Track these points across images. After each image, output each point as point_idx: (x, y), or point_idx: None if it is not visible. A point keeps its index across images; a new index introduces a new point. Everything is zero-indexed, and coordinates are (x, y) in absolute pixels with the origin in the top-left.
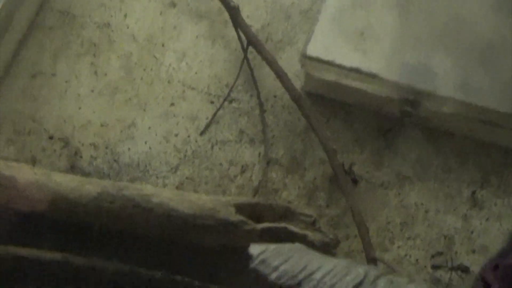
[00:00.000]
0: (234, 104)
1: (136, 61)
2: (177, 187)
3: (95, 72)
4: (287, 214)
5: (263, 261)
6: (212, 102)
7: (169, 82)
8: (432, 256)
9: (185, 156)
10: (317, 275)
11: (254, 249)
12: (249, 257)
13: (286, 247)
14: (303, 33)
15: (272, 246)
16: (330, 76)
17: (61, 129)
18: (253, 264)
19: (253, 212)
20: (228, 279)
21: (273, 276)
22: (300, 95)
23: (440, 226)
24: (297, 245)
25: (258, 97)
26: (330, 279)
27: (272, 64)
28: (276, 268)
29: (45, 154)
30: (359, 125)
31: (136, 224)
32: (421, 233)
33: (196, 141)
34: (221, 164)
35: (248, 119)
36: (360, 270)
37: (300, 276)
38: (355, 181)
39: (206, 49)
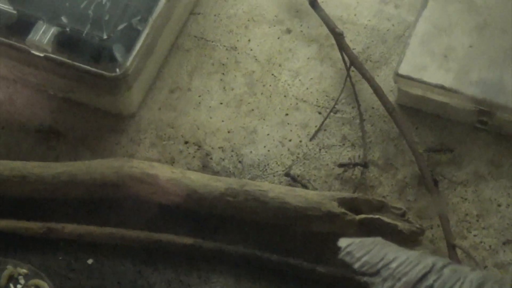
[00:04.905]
0: (338, 115)
1: (257, 78)
2: (290, 184)
3: (224, 88)
4: (381, 207)
5: (348, 253)
6: (320, 113)
7: (285, 96)
8: (503, 243)
9: (297, 158)
10: (393, 264)
11: (342, 242)
12: (338, 249)
13: (369, 240)
14: (397, 55)
15: (357, 240)
16: (418, 91)
17: (195, 135)
18: (341, 255)
19: (353, 205)
20: (332, 260)
21: (356, 265)
22: (394, 107)
23: (510, 217)
24: (378, 239)
25: (358, 108)
26: (404, 268)
27: (371, 81)
28: (359, 259)
29: (182, 156)
30: (443, 132)
31: (255, 215)
32: (494, 224)
33: (306, 146)
34: (327, 164)
35: (350, 127)
36: (429, 261)
37: (379, 265)
38: (436, 181)
39: (316, 68)
